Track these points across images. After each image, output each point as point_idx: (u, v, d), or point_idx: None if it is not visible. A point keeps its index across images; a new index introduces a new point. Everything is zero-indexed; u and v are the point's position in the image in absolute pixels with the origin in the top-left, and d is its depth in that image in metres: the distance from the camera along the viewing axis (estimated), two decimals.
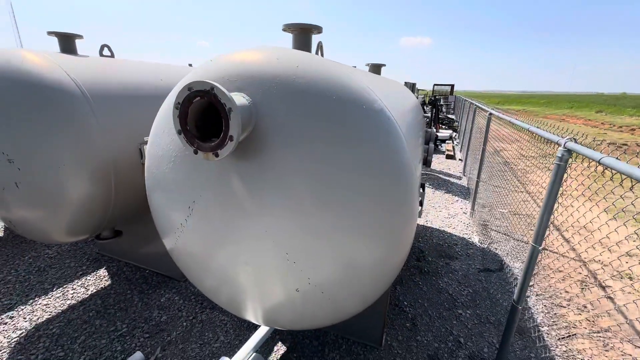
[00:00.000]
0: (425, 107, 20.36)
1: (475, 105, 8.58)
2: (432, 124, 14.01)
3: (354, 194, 1.38)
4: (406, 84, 7.95)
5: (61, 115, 2.37)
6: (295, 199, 1.38)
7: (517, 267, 4.22)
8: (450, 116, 21.26)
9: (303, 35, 1.99)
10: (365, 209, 1.40)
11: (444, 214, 5.98)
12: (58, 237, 2.68)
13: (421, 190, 3.98)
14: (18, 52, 2.49)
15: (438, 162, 10.04)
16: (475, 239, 5.03)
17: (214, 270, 1.65)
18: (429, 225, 5.47)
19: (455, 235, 5.12)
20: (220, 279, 1.67)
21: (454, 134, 15.77)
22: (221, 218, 1.50)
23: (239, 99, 1.37)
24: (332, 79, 1.45)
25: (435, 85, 33.55)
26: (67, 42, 2.93)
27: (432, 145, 3.81)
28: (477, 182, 5.77)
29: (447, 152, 11.00)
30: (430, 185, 7.72)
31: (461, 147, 11.91)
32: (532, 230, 2.77)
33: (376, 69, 4.58)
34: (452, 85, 32.21)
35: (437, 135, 12.06)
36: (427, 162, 3.73)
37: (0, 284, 3.63)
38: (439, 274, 4.03)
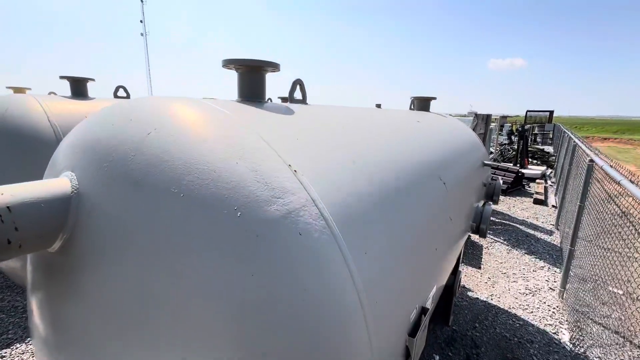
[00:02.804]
0: (512, 137, 17.64)
1: (575, 141, 6.72)
2: (518, 158, 11.83)
3: None
4: (477, 115, 6.68)
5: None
6: None
7: None
8: (546, 148, 18.04)
9: (250, 75, 1.41)
10: None
11: (519, 287, 4.51)
12: None
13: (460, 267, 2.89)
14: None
15: (522, 208, 8.15)
16: (565, 337, 3.54)
17: None
18: (492, 302, 4.12)
19: (533, 326, 3.69)
20: None
21: (549, 171, 13.07)
22: None
23: (54, 184, 0.84)
24: (193, 155, 0.81)
25: (528, 111, 29.31)
26: (78, 86, 2.93)
27: (488, 208, 2.74)
28: (573, 242, 4.20)
29: (535, 195, 8.93)
30: (504, 240, 6.14)
31: (557, 190, 9.60)
32: None
33: (423, 104, 3.74)
34: (551, 112, 27.82)
35: (522, 174, 10.03)
36: (479, 232, 2.68)
37: None
38: None
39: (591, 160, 3.77)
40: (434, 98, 3.79)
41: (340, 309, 0.79)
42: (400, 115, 2.58)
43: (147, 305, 0.77)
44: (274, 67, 1.43)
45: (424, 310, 1.28)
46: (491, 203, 3.06)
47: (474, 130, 6.57)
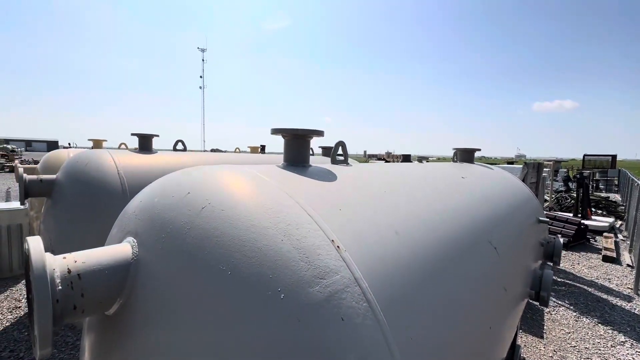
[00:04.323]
0: (570, 184, 16.15)
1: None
2: (579, 208, 10.71)
3: None
4: (526, 164, 6.29)
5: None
6: None
7: None
8: (611, 197, 16.25)
9: (296, 141, 1.50)
10: None
11: None
12: None
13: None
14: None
15: (589, 267, 7.18)
16: None
17: None
18: None
19: None
20: None
21: (619, 223, 11.59)
22: None
23: (106, 253, 0.93)
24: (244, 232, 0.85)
25: (586, 155, 27.02)
26: (145, 141, 3.31)
27: (548, 272, 2.45)
28: None
29: (605, 252, 7.85)
30: (570, 304, 5.35)
31: (631, 246, 8.38)
32: None
33: (467, 155, 3.65)
34: (614, 156, 25.43)
35: (586, 226, 9.00)
36: (540, 300, 2.38)
37: None
38: None
39: None
40: (479, 149, 3.68)
41: None
42: (444, 171, 2.52)
43: None
44: (319, 134, 1.51)
45: None
46: (551, 265, 2.74)
47: (523, 180, 6.16)
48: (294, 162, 1.49)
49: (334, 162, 1.83)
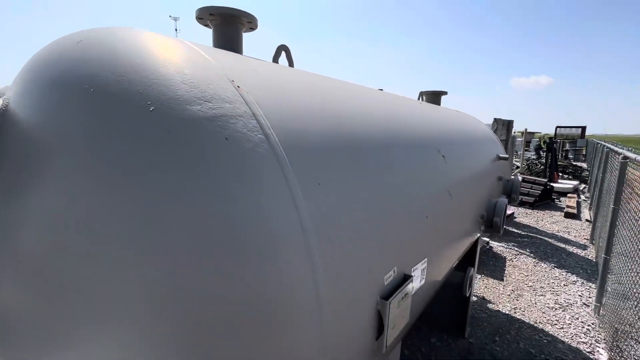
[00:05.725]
0: (541, 153, 16.77)
1: (608, 146, 6.23)
2: (547, 172, 11.17)
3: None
4: (496, 120, 6.36)
5: None
6: None
7: None
8: (578, 164, 17.03)
9: (225, 28, 1.35)
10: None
11: (547, 300, 4.06)
12: None
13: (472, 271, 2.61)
14: None
15: (552, 222, 7.55)
16: (603, 357, 3.09)
17: None
18: (516, 315, 3.71)
19: (564, 343, 3.26)
20: None
21: (582, 186, 12.22)
22: None
23: None
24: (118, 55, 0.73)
25: (558, 127, 28.00)
26: None
27: (502, 200, 2.49)
28: (608, 250, 3.75)
29: (567, 209, 8.27)
30: (531, 252, 5.64)
31: (591, 205, 8.87)
32: None
33: (434, 98, 3.58)
34: (583, 128, 26.51)
35: (552, 187, 9.40)
36: (493, 226, 2.42)
37: None
38: None
39: (624, 157, 3.41)
40: (445, 93, 3.62)
41: (278, 227, 0.65)
42: (403, 99, 2.44)
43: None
44: (251, 20, 1.37)
45: (406, 278, 1.09)
46: (501, 199, 2.79)
47: None
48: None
49: None
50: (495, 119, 6.23)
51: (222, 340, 0.62)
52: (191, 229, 0.60)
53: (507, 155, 3.06)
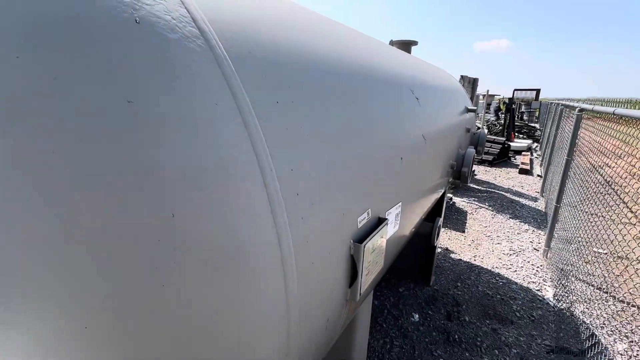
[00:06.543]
0: (499, 114, 17.57)
1: (562, 103, 6.54)
2: (505, 132, 11.75)
3: None
4: (463, 77, 6.40)
5: None
6: None
7: (620, 350, 2.61)
8: (532, 124, 18.08)
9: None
10: None
11: (503, 248, 4.37)
12: None
13: (439, 221, 2.66)
14: None
15: (507, 178, 8.04)
16: (549, 293, 3.41)
17: None
18: (476, 262, 3.96)
19: (516, 283, 3.55)
20: None
21: (535, 144, 13.07)
22: None
23: None
24: None
25: (516, 90, 29.32)
26: None
27: (470, 151, 2.49)
28: (559, 199, 4.04)
29: (521, 166, 8.83)
30: (489, 206, 6.00)
31: (542, 161, 9.54)
32: None
33: (404, 47, 3.40)
34: (538, 90, 27.92)
35: (509, 145, 9.91)
36: (461, 176, 2.43)
37: None
38: (478, 348, 2.63)
39: (580, 110, 3.55)
40: (415, 43, 3.46)
41: (223, 156, 0.50)
42: (377, 40, 2.25)
43: None
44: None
45: (380, 221, 1.00)
46: (469, 150, 2.81)
47: None
48: None
49: None
50: (462, 76, 6.27)
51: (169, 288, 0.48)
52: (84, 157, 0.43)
53: (475, 107, 3.04)
